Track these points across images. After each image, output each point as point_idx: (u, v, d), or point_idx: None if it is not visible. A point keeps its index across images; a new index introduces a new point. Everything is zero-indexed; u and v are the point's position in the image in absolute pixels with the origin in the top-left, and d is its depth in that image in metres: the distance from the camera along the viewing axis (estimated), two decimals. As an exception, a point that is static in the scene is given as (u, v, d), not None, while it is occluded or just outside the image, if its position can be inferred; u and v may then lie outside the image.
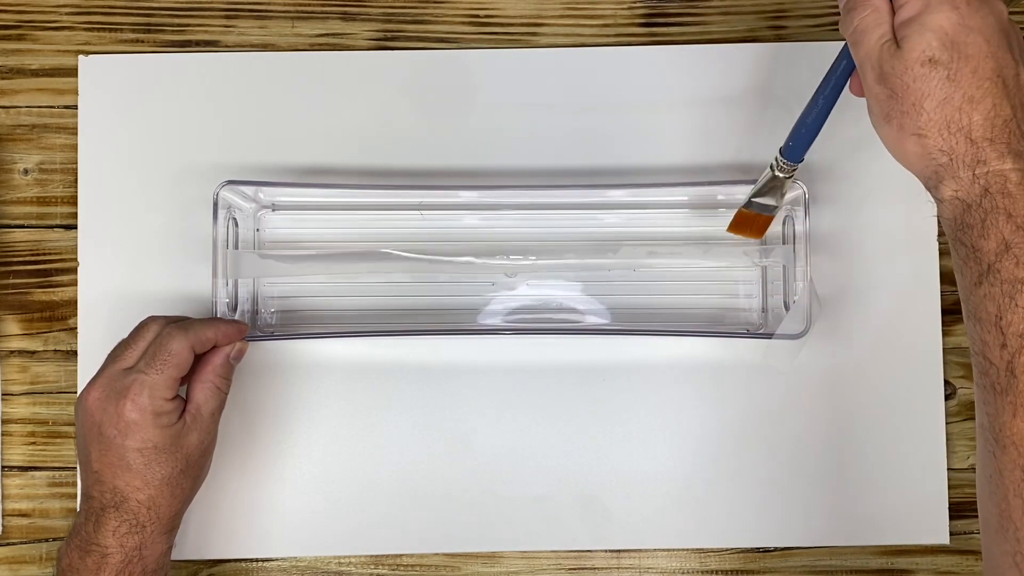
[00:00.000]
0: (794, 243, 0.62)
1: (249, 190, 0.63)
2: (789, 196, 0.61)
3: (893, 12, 0.48)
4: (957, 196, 0.46)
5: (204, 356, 0.57)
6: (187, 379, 0.57)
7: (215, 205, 0.60)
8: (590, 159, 0.67)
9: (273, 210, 0.66)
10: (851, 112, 0.67)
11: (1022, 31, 0.49)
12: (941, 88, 0.46)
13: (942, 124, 0.46)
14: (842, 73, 0.53)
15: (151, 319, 0.57)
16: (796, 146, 0.57)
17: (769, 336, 0.61)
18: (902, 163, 0.49)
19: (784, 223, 0.63)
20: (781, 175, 0.58)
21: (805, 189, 0.60)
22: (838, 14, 0.68)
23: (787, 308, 0.62)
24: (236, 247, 0.63)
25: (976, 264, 0.45)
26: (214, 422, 0.57)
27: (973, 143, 0.46)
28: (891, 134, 0.48)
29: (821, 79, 0.54)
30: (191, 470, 0.56)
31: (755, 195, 0.60)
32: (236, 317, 0.62)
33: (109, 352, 0.57)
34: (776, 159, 0.58)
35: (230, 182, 0.61)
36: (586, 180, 0.66)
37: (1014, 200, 0.45)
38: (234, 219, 0.63)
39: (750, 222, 0.61)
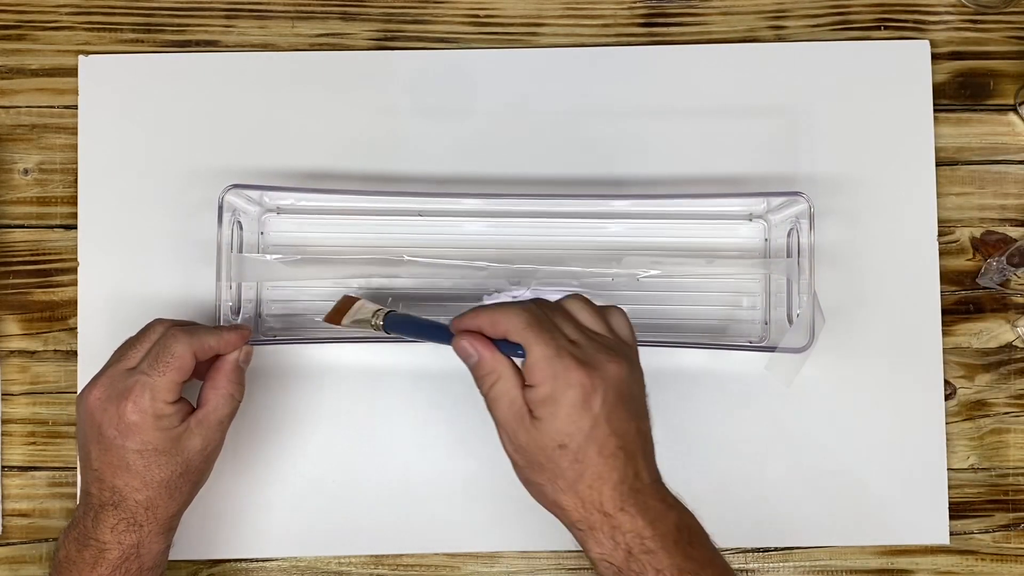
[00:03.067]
0: (798, 256, 0.61)
1: (254, 194, 0.63)
2: (794, 209, 0.61)
3: (522, 380, 0.49)
4: (605, 559, 0.49)
5: (215, 363, 0.57)
6: (201, 383, 0.57)
7: (220, 209, 0.60)
8: (590, 160, 0.67)
9: (278, 213, 0.66)
10: (853, 127, 0.67)
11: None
12: (572, 469, 0.49)
13: (577, 501, 0.49)
14: (445, 340, 0.53)
15: (157, 321, 0.57)
16: (392, 327, 0.57)
17: (772, 349, 0.60)
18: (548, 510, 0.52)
19: (789, 235, 0.62)
20: (373, 324, 0.57)
21: (811, 203, 0.59)
22: (838, 14, 0.69)
23: (791, 321, 0.61)
24: (240, 251, 0.63)
25: None
26: (221, 429, 0.56)
27: (607, 515, 0.49)
28: (535, 495, 0.52)
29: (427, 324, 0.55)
30: (191, 474, 0.55)
31: (355, 324, 0.59)
32: (239, 321, 0.62)
33: (114, 351, 0.57)
34: (380, 321, 0.57)
35: (235, 186, 0.60)
36: (587, 186, 0.66)
37: (656, 555, 0.48)
38: (239, 222, 0.62)
39: (342, 310, 0.59)
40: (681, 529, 0.50)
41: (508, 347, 0.50)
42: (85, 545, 0.54)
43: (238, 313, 0.62)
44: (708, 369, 0.66)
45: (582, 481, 0.49)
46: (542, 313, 0.50)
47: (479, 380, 0.51)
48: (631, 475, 0.49)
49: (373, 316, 0.58)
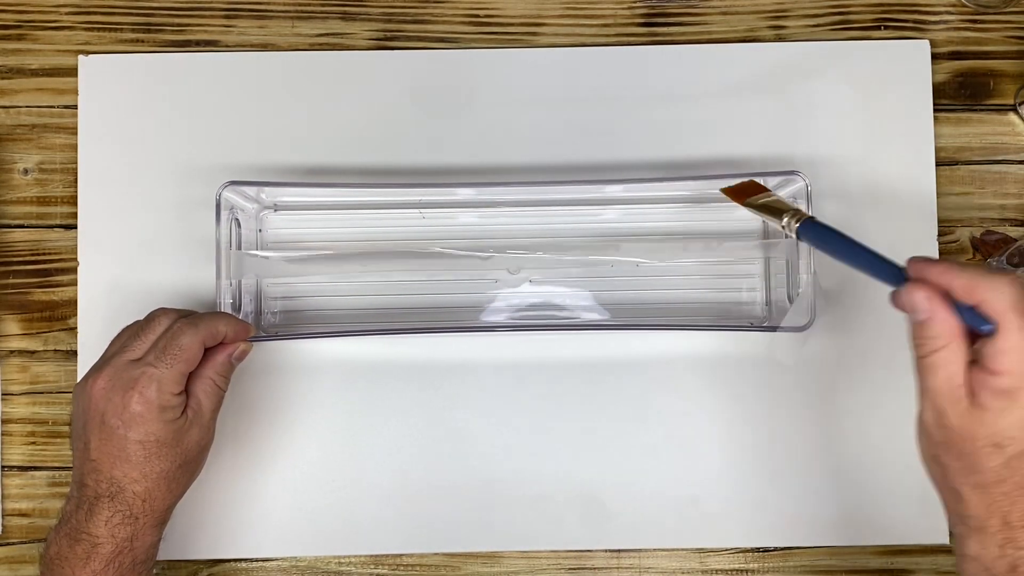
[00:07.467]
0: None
1: (251, 191, 0.63)
2: (791, 189, 0.61)
3: (968, 354, 0.45)
4: (980, 560, 0.47)
5: (207, 354, 0.57)
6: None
7: (218, 206, 0.60)
8: (590, 155, 0.66)
9: (275, 210, 0.66)
10: (853, 127, 0.67)
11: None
12: (995, 471, 0.46)
13: (984, 501, 0.47)
14: (881, 275, 0.49)
15: (162, 311, 0.57)
16: (808, 235, 0.54)
17: (773, 329, 0.61)
18: (936, 490, 0.50)
19: None
20: (784, 224, 0.56)
21: (808, 181, 0.60)
22: (838, 14, 0.69)
23: (791, 301, 0.62)
24: (239, 248, 0.63)
25: None
26: (213, 420, 0.57)
27: (1009, 526, 0.46)
28: (934, 473, 0.49)
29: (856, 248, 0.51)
30: (188, 466, 0.56)
31: (760, 209, 0.58)
32: (240, 318, 0.62)
33: (113, 339, 0.57)
34: (794, 223, 0.55)
35: (232, 182, 0.61)
36: (586, 172, 0.66)
37: None
38: (236, 220, 0.63)
39: (747, 192, 0.59)
40: None
41: (971, 316, 0.45)
42: (77, 540, 0.54)
43: (239, 310, 0.62)
44: (706, 361, 0.65)
45: (999, 487, 0.46)
46: None
47: (920, 340, 0.46)
48: None
49: (786, 215, 0.55)
